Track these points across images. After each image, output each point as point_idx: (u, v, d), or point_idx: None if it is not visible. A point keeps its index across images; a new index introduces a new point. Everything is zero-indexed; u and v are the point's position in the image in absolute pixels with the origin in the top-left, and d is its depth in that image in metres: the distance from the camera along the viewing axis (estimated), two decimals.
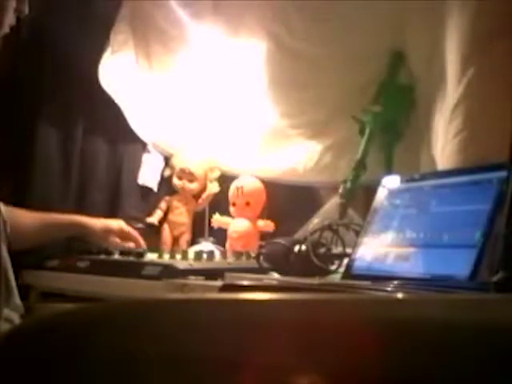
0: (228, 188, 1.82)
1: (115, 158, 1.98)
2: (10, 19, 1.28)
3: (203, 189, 1.89)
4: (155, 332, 0.41)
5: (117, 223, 1.72)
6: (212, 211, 1.85)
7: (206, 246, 1.77)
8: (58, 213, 1.69)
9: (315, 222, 1.59)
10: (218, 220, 1.82)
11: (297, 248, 1.27)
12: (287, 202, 1.88)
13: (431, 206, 1.06)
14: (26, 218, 1.59)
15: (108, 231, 1.69)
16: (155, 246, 1.75)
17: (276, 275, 1.27)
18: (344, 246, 1.26)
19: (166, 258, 1.53)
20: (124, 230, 1.71)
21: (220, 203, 1.87)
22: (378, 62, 1.53)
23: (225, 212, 1.82)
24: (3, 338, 0.43)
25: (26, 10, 1.30)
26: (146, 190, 2.00)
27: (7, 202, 1.52)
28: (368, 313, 0.42)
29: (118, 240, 1.69)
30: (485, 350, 0.41)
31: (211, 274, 1.32)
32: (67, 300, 1.48)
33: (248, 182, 1.80)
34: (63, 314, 0.44)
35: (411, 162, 1.48)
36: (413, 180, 1.16)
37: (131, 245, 1.70)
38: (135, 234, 1.72)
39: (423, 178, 1.15)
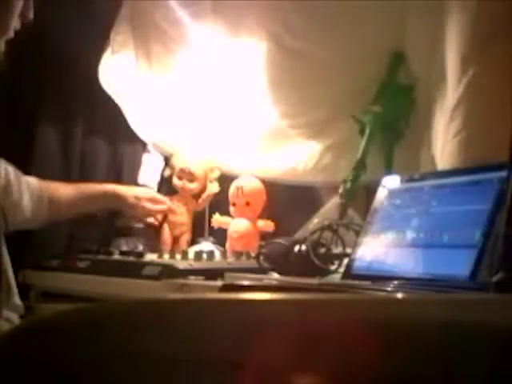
0: (228, 188, 1.82)
1: (115, 158, 1.98)
2: (15, 24, 1.29)
3: (203, 189, 1.88)
4: (155, 332, 0.41)
5: (147, 191, 1.78)
6: (212, 211, 1.85)
7: (205, 246, 1.77)
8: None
9: (315, 221, 1.59)
10: (217, 220, 1.82)
11: (297, 248, 1.27)
12: (287, 201, 1.88)
13: (431, 206, 1.06)
14: (64, 190, 1.64)
15: (139, 198, 1.72)
16: (155, 246, 1.75)
17: (276, 275, 1.27)
18: (344, 246, 1.26)
19: (166, 258, 1.53)
20: (155, 198, 1.76)
21: (220, 203, 1.87)
22: (378, 62, 1.53)
23: (225, 212, 1.82)
24: (3, 338, 0.43)
25: (31, 15, 1.30)
26: None
27: None
28: (368, 313, 0.42)
29: (150, 206, 1.73)
30: (485, 349, 0.41)
31: (211, 274, 1.32)
32: (67, 300, 1.48)
33: (248, 181, 1.80)
34: (63, 313, 0.44)
35: (411, 162, 1.49)
36: (413, 180, 1.15)
37: (164, 209, 1.76)
38: (165, 200, 1.78)
39: (423, 178, 1.15)
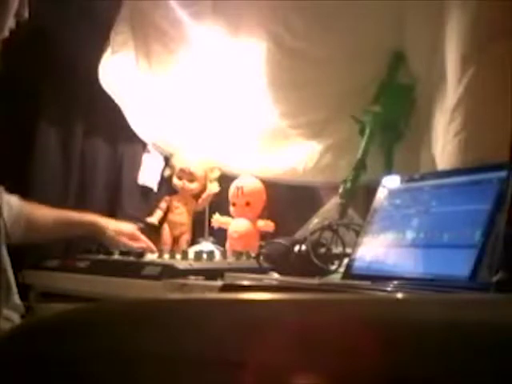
0: (228, 188, 1.82)
1: (115, 158, 1.98)
2: (10, 23, 1.29)
3: (203, 189, 1.89)
4: (155, 332, 0.41)
5: (129, 227, 1.76)
6: (212, 211, 1.86)
7: (206, 246, 1.77)
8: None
9: (315, 221, 1.59)
10: (218, 220, 1.82)
11: (297, 248, 1.27)
12: (287, 201, 1.88)
13: (431, 206, 1.06)
14: (43, 213, 1.64)
15: (120, 233, 1.71)
16: (155, 246, 1.75)
17: (276, 275, 1.27)
18: (344, 246, 1.26)
19: (166, 257, 1.53)
20: (135, 234, 1.74)
21: (220, 203, 1.87)
22: (378, 61, 1.53)
23: (225, 212, 1.82)
24: (3, 338, 0.43)
25: (26, 15, 1.31)
26: (146, 190, 2.00)
27: None
28: (368, 313, 0.42)
29: (128, 242, 1.71)
30: (485, 350, 0.41)
31: (211, 273, 1.32)
32: (67, 300, 1.48)
33: (248, 182, 1.80)
34: (63, 314, 0.44)
35: (411, 162, 1.48)
36: (413, 180, 1.15)
37: (143, 247, 1.72)
38: (146, 240, 1.74)
39: (423, 178, 1.15)
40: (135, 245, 1.71)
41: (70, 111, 1.91)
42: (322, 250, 1.27)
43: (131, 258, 1.53)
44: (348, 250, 1.23)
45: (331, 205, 1.62)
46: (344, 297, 0.57)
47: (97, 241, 1.70)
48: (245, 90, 1.78)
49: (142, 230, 1.80)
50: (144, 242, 1.74)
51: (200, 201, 1.89)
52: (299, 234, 1.52)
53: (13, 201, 1.57)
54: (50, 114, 1.88)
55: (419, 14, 1.41)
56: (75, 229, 1.70)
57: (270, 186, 1.81)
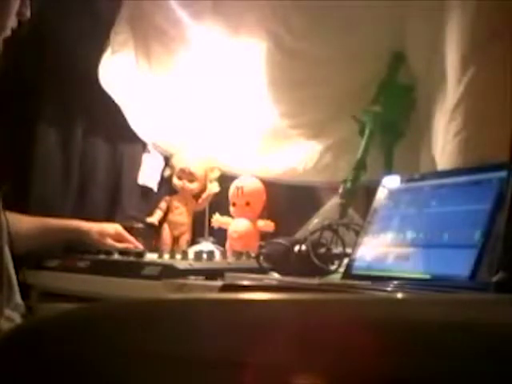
0: (228, 188, 1.82)
1: (115, 157, 1.98)
2: (12, 22, 1.29)
3: (203, 189, 1.89)
4: (155, 332, 0.41)
5: (113, 227, 1.75)
6: (212, 211, 1.85)
7: (206, 246, 1.77)
8: (58, 214, 1.72)
9: (315, 222, 1.59)
10: (218, 220, 1.82)
11: (297, 248, 1.27)
12: (287, 201, 1.88)
13: (431, 206, 1.06)
14: (24, 222, 1.62)
15: (104, 234, 1.71)
16: (155, 246, 1.75)
17: (276, 275, 1.27)
18: (344, 246, 1.26)
19: (166, 257, 1.53)
20: (120, 233, 1.73)
21: (220, 203, 1.87)
22: (378, 62, 1.53)
23: (225, 212, 1.82)
24: (4, 338, 0.43)
25: (28, 14, 1.31)
26: (146, 190, 2.00)
27: (7, 202, 1.53)
28: (368, 313, 0.42)
29: (114, 243, 1.71)
30: (484, 349, 0.41)
31: (211, 273, 1.32)
32: (67, 300, 1.48)
33: (248, 182, 1.80)
34: (63, 314, 0.44)
35: (411, 162, 1.48)
36: (413, 180, 1.15)
37: (128, 246, 1.71)
38: (131, 237, 1.74)
39: (423, 178, 1.15)
40: (120, 245, 1.70)
41: (70, 111, 1.90)
42: (322, 249, 1.27)
43: (131, 258, 1.53)
44: (348, 250, 1.23)
45: (331, 205, 1.63)
46: (344, 297, 0.57)
47: (82, 245, 1.69)
48: (245, 90, 1.78)
49: (142, 230, 1.80)
50: (130, 241, 1.74)
51: (200, 201, 1.88)
52: (299, 234, 1.52)
53: None
54: (50, 113, 1.88)
55: (419, 14, 1.41)
56: (59, 236, 1.69)
57: (270, 185, 1.81)
